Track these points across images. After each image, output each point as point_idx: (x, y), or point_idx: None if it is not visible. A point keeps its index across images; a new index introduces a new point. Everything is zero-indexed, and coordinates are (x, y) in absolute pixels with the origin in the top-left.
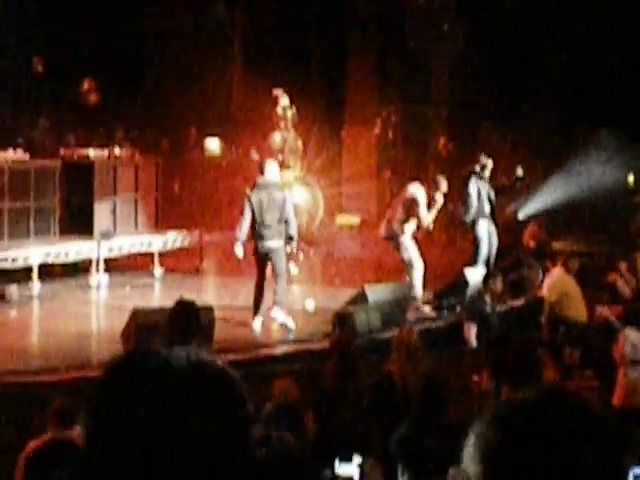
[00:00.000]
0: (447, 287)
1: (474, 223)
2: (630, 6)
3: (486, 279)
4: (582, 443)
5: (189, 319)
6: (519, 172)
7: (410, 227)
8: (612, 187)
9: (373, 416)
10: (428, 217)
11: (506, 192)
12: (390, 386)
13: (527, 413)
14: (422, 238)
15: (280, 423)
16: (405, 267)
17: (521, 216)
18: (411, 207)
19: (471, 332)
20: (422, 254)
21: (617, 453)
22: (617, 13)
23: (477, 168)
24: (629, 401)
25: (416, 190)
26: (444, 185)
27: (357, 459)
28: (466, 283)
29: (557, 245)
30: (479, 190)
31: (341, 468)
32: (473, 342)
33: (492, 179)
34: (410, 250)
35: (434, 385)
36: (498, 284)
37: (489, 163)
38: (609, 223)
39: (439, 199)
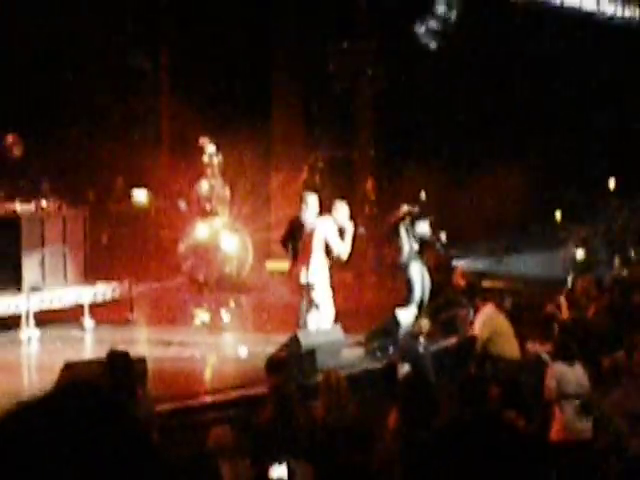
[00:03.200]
0: (379, 328)
1: (406, 265)
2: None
3: (418, 319)
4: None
5: (122, 371)
6: (422, 196)
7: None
8: (540, 222)
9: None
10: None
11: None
12: (320, 431)
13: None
14: (353, 280)
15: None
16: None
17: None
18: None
19: (405, 373)
20: (353, 296)
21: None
22: (531, 45)
23: (405, 213)
24: (566, 436)
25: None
26: (343, 210)
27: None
28: (398, 324)
29: (487, 283)
30: (408, 232)
31: (273, 471)
32: None
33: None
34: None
35: (360, 429)
36: (430, 324)
37: (414, 209)
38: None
39: (347, 226)
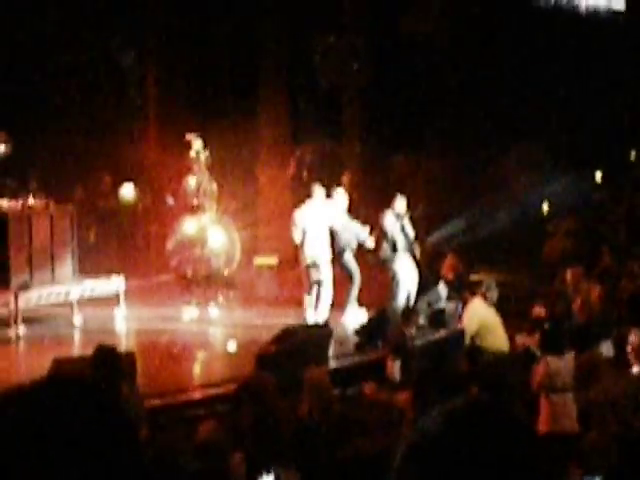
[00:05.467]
0: (368, 323)
1: (392, 259)
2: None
3: (407, 313)
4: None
5: (109, 366)
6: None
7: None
8: (527, 216)
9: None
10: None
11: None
12: (304, 428)
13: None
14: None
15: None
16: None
17: (438, 247)
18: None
19: (394, 367)
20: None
21: (547, 468)
22: (516, 43)
23: (394, 208)
24: (554, 427)
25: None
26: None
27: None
28: (387, 319)
29: (475, 276)
30: (396, 225)
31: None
32: (397, 377)
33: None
34: None
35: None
36: (419, 318)
37: (402, 202)
38: (525, 252)
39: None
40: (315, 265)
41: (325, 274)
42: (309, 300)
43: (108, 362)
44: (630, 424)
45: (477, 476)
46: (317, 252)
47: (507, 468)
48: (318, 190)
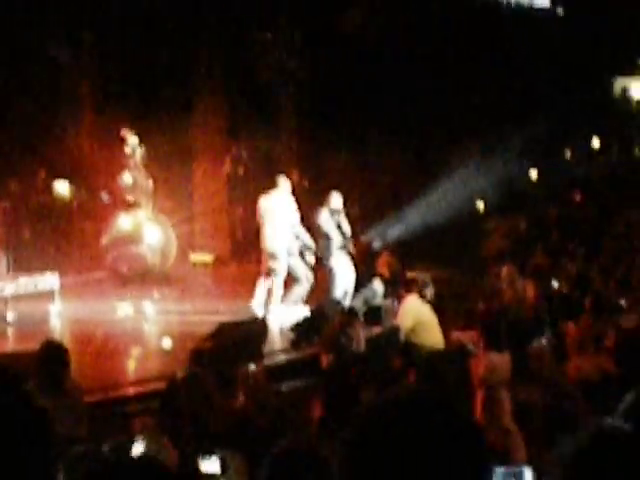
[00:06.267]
0: (304, 319)
1: (328, 256)
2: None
3: (344, 310)
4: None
5: (56, 361)
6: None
7: None
8: (462, 213)
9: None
10: None
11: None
12: (240, 422)
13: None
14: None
15: None
16: None
17: (376, 245)
18: None
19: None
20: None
21: (484, 452)
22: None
23: (329, 204)
24: (490, 422)
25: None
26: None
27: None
28: (324, 315)
29: (411, 273)
30: (331, 222)
31: (204, 465)
32: None
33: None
34: None
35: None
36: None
37: (337, 198)
38: (461, 249)
39: None
40: (273, 256)
41: (281, 266)
42: (259, 290)
43: (55, 356)
44: None
45: (417, 465)
46: (275, 243)
47: (449, 457)
48: (283, 182)
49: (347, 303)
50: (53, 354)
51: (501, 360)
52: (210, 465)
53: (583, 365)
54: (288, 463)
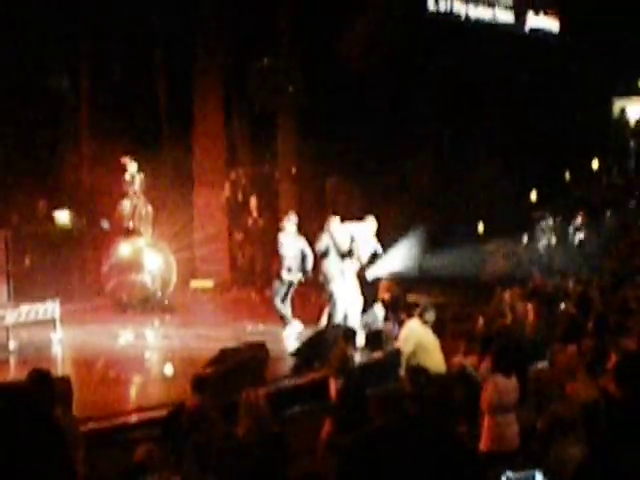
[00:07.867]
0: (305, 344)
1: (330, 281)
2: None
3: (347, 334)
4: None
5: (44, 389)
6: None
7: None
8: (462, 237)
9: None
10: None
11: None
12: (241, 450)
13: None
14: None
15: None
16: None
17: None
18: None
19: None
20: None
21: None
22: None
23: (329, 227)
24: (496, 446)
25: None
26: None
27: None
28: (325, 340)
29: (411, 297)
30: (333, 247)
31: None
32: None
33: None
34: None
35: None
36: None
37: (336, 223)
38: (461, 272)
39: None
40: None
41: (334, 290)
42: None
43: (41, 385)
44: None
45: None
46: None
47: None
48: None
49: (350, 324)
50: (39, 382)
51: (508, 384)
52: None
53: (584, 387)
54: None
